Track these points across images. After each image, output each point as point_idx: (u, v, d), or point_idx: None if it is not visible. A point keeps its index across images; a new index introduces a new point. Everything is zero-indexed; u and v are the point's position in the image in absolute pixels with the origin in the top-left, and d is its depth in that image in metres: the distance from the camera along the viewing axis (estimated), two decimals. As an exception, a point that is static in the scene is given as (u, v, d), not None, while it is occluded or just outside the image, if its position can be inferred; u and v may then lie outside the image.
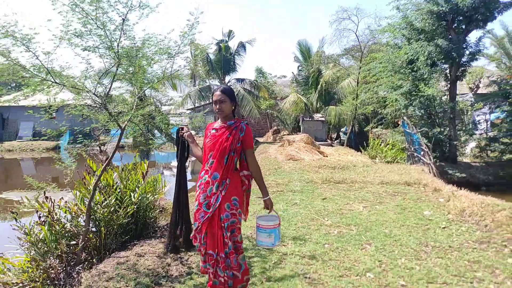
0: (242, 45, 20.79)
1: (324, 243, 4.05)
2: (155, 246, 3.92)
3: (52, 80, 3.30)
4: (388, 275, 3.22)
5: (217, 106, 2.77)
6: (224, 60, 19.98)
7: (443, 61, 9.81)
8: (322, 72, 19.91)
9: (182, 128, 3.07)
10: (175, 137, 3.09)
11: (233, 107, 2.83)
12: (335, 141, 19.71)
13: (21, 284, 3.38)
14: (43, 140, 28.54)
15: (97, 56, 3.48)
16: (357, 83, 16.39)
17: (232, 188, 2.70)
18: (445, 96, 10.41)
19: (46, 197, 3.78)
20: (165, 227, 4.59)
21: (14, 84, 41.29)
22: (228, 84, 20.81)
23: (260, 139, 22.12)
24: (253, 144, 2.81)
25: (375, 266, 3.42)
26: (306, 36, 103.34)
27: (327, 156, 12.34)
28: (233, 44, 20.82)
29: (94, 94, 3.46)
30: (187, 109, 24.23)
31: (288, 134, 19.60)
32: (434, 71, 9.96)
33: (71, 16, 2.97)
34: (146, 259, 3.55)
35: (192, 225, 2.89)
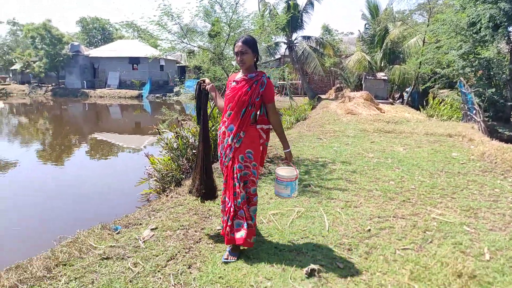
0: (310, 3, 21.45)
1: (364, 166, 5.61)
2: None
3: (187, 42, 5.09)
4: (404, 183, 4.73)
5: (239, 58, 2.72)
6: (292, 17, 20.92)
7: (506, 24, 10.17)
8: (389, 30, 20.08)
9: (204, 81, 3.04)
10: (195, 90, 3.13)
11: (255, 59, 2.76)
12: (397, 101, 20.22)
13: (165, 171, 5.45)
14: (128, 88, 32.28)
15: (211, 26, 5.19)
16: (423, 42, 16.64)
17: (247, 141, 2.71)
18: (505, 58, 10.81)
19: (179, 121, 5.77)
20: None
21: (100, 37, 45.74)
22: (295, 42, 21.87)
23: (323, 96, 23.23)
24: (273, 98, 2.76)
25: (397, 178, 4.93)
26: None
27: (384, 112, 13.38)
28: (301, 2, 21.57)
29: (212, 52, 5.19)
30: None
31: (350, 92, 20.48)
32: (495, 34, 10.38)
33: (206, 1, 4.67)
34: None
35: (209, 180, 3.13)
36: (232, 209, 2.72)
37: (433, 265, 2.67)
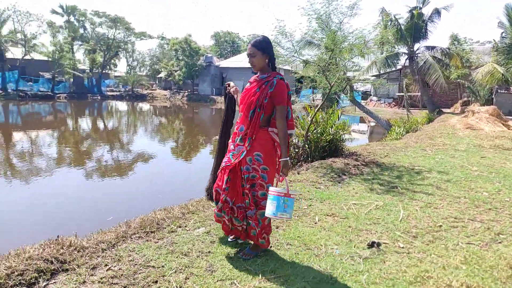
0: (436, 12, 20.40)
1: (461, 177, 5.65)
2: (338, 161, 6.34)
3: (297, 56, 5.99)
4: (499, 196, 4.72)
5: (249, 60, 2.73)
6: (415, 27, 20.22)
7: None
8: (532, 39, 17.80)
9: (229, 85, 3.13)
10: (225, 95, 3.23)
11: (266, 60, 2.71)
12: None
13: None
14: (249, 96, 35.07)
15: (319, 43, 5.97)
16: None
17: (256, 144, 2.65)
18: None
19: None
20: (347, 152, 7.00)
21: (229, 49, 50.67)
22: (417, 52, 21.02)
23: (446, 110, 21.68)
24: (285, 100, 2.65)
25: (493, 191, 4.92)
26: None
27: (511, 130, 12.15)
28: (427, 11, 20.66)
29: (318, 65, 5.97)
30: (371, 75, 25.50)
31: (477, 106, 18.74)
32: None
33: (314, 23, 5.50)
34: (335, 162, 6.05)
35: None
36: (240, 210, 2.75)
37: (489, 257, 2.96)
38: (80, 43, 38.92)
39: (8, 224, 5.56)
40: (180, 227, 3.37)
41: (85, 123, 21.24)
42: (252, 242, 2.90)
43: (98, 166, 9.93)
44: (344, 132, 7.02)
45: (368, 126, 21.96)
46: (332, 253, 2.99)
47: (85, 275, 2.47)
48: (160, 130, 19.33)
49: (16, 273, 2.32)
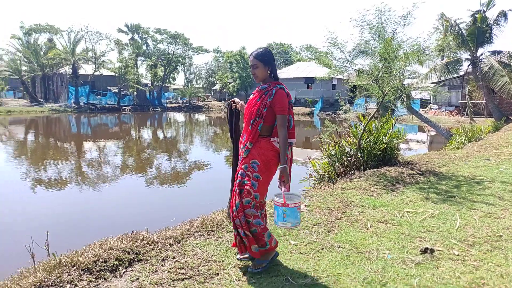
0: (503, 14, 19.15)
1: (528, 187, 5.34)
2: (392, 170, 6.26)
3: (349, 66, 6.09)
4: None
5: (251, 71, 2.79)
6: (478, 32, 19.13)
7: None
8: None
9: (234, 101, 3.13)
10: (227, 111, 3.20)
11: (268, 71, 2.76)
12: None
13: (323, 173, 6.53)
14: (301, 106, 35.21)
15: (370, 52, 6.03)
16: None
17: (254, 152, 2.68)
18: None
19: (337, 132, 6.79)
20: (402, 161, 6.88)
21: (282, 60, 51.30)
22: (481, 57, 19.83)
23: (516, 118, 20.12)
24: (285, 109, 2.66)
25: None
26: None
27: None
28: (491, 14, 19.49)
29: (371, 74, 6.02)
30: (431, 83, 24.42)
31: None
32: None
33: (366, 33, 5.60)
34: (389, 171, 6.00)
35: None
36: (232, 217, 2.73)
37: (553, 268, 2.85)
38: (143, 59, 41.73)
39: (86, 220, 6.25)
40: (237, 227, 3.63)
41: (146, 134, 22.70)
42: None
43: (158, 173, 10.66)
44: (399, 140, 6.92)
45: (428, 135, 21.02)
46: (384, 257, 3.06)
47: (157, 265, 2.81)
48: (215, 140, 20.08)
49: (101, 260, 2.71)
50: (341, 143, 6.71)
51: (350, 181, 5.59)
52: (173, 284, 2.55)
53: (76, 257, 2.68)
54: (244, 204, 2.63)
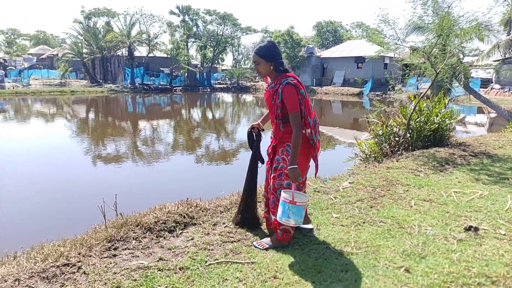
0: None
1: None
2: (442, 151, 6.10)
3: (400, 43, 5.93)
4: None
5: (255, 67, 2.77)
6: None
7: None
8: None
9: (253, 128, 3.14)
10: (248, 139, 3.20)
11: (271, 66, 2.68)
12: None
13: (369, 153, 6.52)
14: (351, 86, 34.34)
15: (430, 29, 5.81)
16: None
17: (288, 136, 2.67)
18: None
19: (385, 112, 6.70)
20: (454, 142, 6.67)
21: (331, 39, 49.92)
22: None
23: None
24: (295, 106, 2.57)
25: None
26: None
27: None
28: None
29: (423, 52, 5.84)
30: (494, 61, 22.66)
31: None
32: None
33: (419, 9, 5.42)
34: (439, 152, 5.87)
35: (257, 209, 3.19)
36: (266, 198, 2.95)
37: None
38: (193, 40, 42.62)
39: (146, 189, 6.84)
40: (282, 200, 3.85)
41: (196, 113, 23.52)
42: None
43: (207, 150, 11.17)
44: (451, 121, 6.68)
45: (488, 117, 19.71)
46: (425, 233, 3.12)
47: (209, 228, 3.10)
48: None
49: (160, 222, 3.05)
50: (389, 123, 6.62)
51: (397, 161, 5.57)
52: (223, 245, 2.83)
53: (140, 218, 3.05)
54: (285, 186, 2.72)
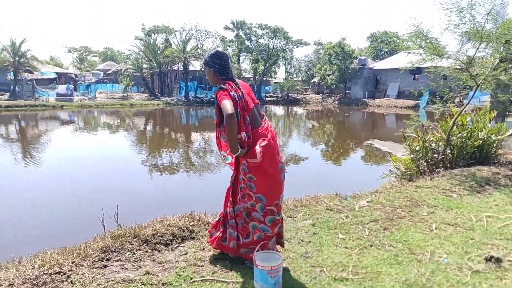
0: None
1: None
2: (484, 170, 5.53)
3: (436, 54, 5.55)
4: None
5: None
6: None
7: None
8: None
9: None
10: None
11: (212, 74, 2.73)
12: None
13: (403, 169, 6.12)
14: (405, 99, 32.79)
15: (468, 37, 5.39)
16: None
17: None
18: None
19: (423, 126, 6.28)
20: (503, 161, 6.04)
21: (386, 50, 48.25)
22: None
23: None
24: (223, 110, 2.50)
25: None
26: None
27: None
28: None
29: (457, 58, 5.41)
30: None
31: None
32: None
33: (454, 16, 5.05)
34: (481, 171, 5.34)
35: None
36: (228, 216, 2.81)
37: None
38: (246, 54, 43.57)
39: (175, 198, 7.00)
40: (290, 217, 3.73)
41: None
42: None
43: None
44: (498, 137, 6.07)
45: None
46: (438, 261, 2.83)
47: (205, 244, 3.08)
48: (311, 134, 20.07)
49: (158, 234, 3.09)
50: (427, 138, 6.18)
51: (431, 179, 5.17)
52: (214, 262, 2.79)
53: (139, 230, 3.11)
54: (249, 207, 2.64)
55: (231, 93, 2.59)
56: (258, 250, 2.52)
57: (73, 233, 5.12)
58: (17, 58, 30.89)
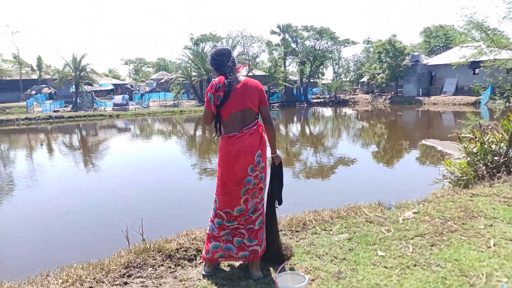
0: None
1: None
2: None
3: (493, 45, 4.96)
4: None
5: None
6: None
7: None
8: None
9: None
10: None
11: (214, 72, 2.80)
12: None
13: (459, 175, 5.54)
14: (465, 95, 30.53)
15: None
16: None
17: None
18: None
19: (481, 126, 5.65)
20: None
21: (441, 44, 45.40)
22: None
23: None
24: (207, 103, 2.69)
25: None
26: None
27: None
28: None
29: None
30: None
31: None
32: None
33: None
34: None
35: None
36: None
37: None
38: (292, 56, 43.24)
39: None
40: (324, 230, 3.45)
41: (294, 128, 23.64)
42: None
43: (303, 167, 10.96)
44: None
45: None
46: (496, 286, 2.42)
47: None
48: (361, 135, 19.30)
49: (182, 249, 2.98)
50: (486, 139, 5.54)
51: (490, 186, 4.59)
52: (238, 281, 2.61)
53: (163, 244, 3.02)
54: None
55: (208, 94, 2.68)
56: (280, 271, 2.31)
57: (107, 245, 5.23)
58: (78, 72, 33.21)
